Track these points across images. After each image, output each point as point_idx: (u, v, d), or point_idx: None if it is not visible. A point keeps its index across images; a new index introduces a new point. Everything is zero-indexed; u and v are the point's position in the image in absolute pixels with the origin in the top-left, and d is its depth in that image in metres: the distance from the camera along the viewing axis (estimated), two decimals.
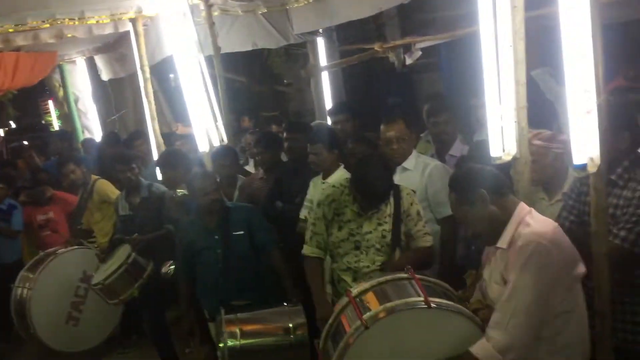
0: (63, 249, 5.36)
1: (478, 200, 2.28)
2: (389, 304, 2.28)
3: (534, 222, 2.23)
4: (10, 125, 15.63)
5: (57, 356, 5.47)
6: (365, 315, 2.26)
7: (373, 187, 3.05)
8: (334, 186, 3.36)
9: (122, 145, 6.44)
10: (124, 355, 5.58)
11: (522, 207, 2.30)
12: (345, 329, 2.34)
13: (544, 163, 3.01)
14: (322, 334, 2.52)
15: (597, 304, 2.50)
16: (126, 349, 5.65)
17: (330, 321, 2.49)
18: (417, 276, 2.43)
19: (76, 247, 5.39)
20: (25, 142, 12.94)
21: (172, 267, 4.37)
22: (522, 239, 2.18)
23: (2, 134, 14.52)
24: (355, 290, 2.49)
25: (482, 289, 2.42)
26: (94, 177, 5.59)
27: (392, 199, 3.19)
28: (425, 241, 3.22)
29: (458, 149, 4.13)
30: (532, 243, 2.13)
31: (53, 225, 6.14)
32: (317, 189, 3.99)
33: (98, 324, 5.36)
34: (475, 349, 2.15)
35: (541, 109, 3.69)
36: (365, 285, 2.50)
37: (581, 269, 2.26)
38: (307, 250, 3.35)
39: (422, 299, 2.25)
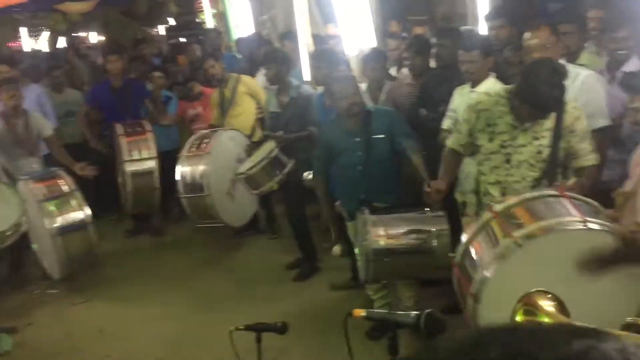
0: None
1: None
2: (543, 222, 2.15)
3: None
4: (169, 23, 16.48)
5: (201, 232, 6.01)
6: (517, 233, 2.14)
7: (543, 95, 2.84)
8: (487, 94, 3.23)
9: (267, 45, 6.63)
10: (272, 240, 6.00)
11: None
12: (492, 242, 2.24)
13: None
14: (459, 247, 2.47)
15: None
16: (274, 234, 6.04)
17: (470, 235, 2.42)
18: (567, 194, 2.31)
19: (231, 129, 5.66)
20: (183, 39, 13.66)
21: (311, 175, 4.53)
22: None
23: (164, 32, 15.40)
24: (499, 206, 2.38)
25: (636, 206, 2.25)
26: (233, 74, 5.83)
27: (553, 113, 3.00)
28: (589, 160, 3.02)
29: (634, 64, 3.75)
30: None
31: (202, 119, 6.52)
32: (462, 98, 3.87)
33: (245, 204, 5.66)
34: None
35: None
36: (512, 200, 2.38)
37: None
38: (449, 141, 3.40)
39: (578, 218, 2.11)
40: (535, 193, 2.41)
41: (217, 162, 5.40)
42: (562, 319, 1.70)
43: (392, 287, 4.20)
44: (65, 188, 5.00)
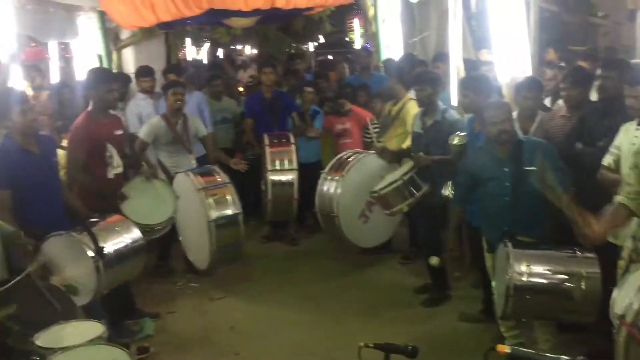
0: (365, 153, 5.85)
1: None
2: None
3: None
4: (319, 40, 17.12)
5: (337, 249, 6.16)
6: None
7: None
8: None
9: (421, 66, 6.62)
10: (403, 265, 5.95)
11: None
12: None
13: None
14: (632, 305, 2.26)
15: None
16: (406, 259, 5.98)
17: None
18: None
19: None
20: (330, 57, 14.10)
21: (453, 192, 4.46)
22: None
23: (313, 49, 16.03)
24: None
25: None
26: (407, 95, 5.80)
27: None
28: None
29: None
30: None
31: (348, 134, 6.71)
32: (628, 136, 3.63)
33: (380, 227, 5.81)
34: None
35: None
36: None
37: None
38: (622, 198, 3.12)
39: None
40: None
41: (353, 186, 5.62)
42: None
43: (527, 326, 4.00)
44: (221, 183, 5.34)
